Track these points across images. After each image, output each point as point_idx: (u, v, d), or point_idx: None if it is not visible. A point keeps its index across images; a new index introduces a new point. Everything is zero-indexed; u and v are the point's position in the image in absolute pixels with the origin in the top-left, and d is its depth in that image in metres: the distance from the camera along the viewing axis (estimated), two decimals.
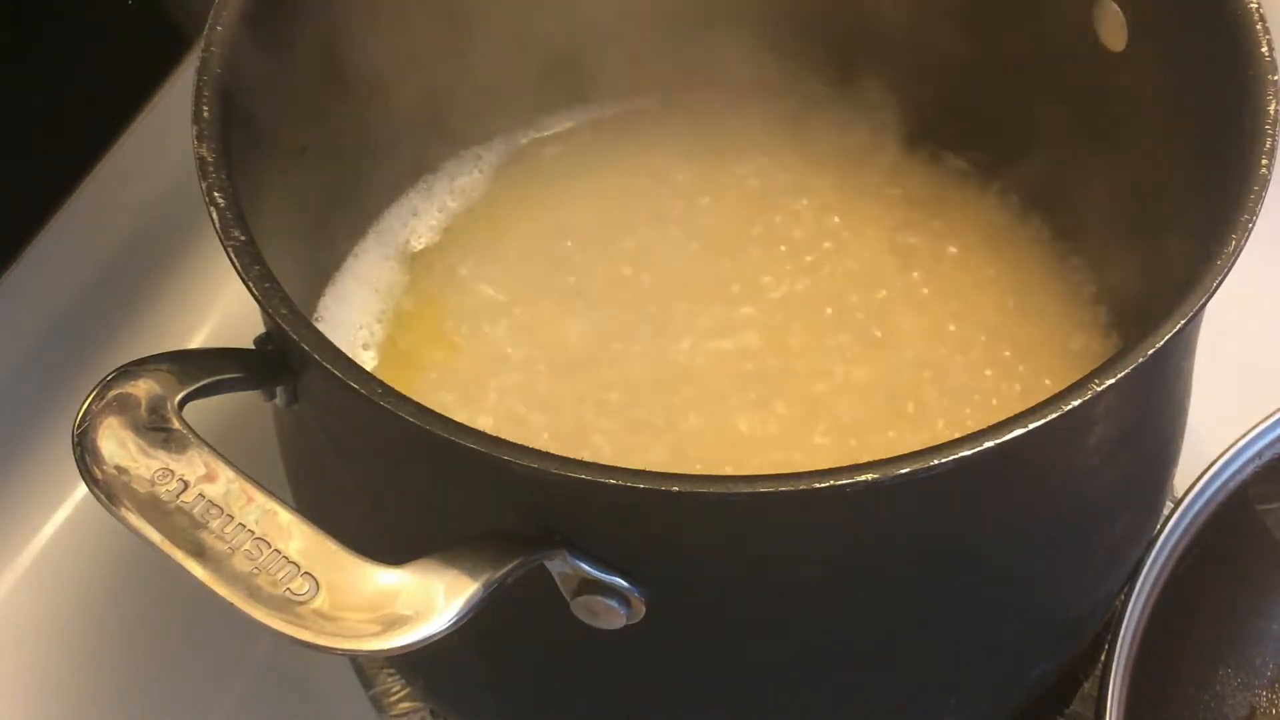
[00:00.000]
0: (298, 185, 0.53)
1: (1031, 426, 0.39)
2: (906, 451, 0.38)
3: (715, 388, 0.55)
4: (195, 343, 0.68)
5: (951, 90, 0.60)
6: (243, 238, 0.43)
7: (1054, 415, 0.39)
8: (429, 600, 0.38)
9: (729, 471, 0.52)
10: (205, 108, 0.46)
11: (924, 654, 0.47)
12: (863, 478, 0.38)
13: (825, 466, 0.38)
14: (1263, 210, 0.43)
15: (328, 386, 0.42)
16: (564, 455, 0.39)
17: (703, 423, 0.54)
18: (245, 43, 0.47)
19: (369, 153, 0.58)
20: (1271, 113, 0.45)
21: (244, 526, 0.39)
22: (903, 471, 0.38)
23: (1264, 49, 0.46)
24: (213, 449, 0.40)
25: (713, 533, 0.41)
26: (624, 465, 0.39)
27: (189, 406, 0.42)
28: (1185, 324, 0.41)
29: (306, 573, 0.38)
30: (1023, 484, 0.44)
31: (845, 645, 0.46)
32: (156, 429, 0.40)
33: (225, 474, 0.39)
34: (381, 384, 0.40)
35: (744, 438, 0.54)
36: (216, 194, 0.43)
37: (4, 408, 0.64)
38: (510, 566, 0.39)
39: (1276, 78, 0.46)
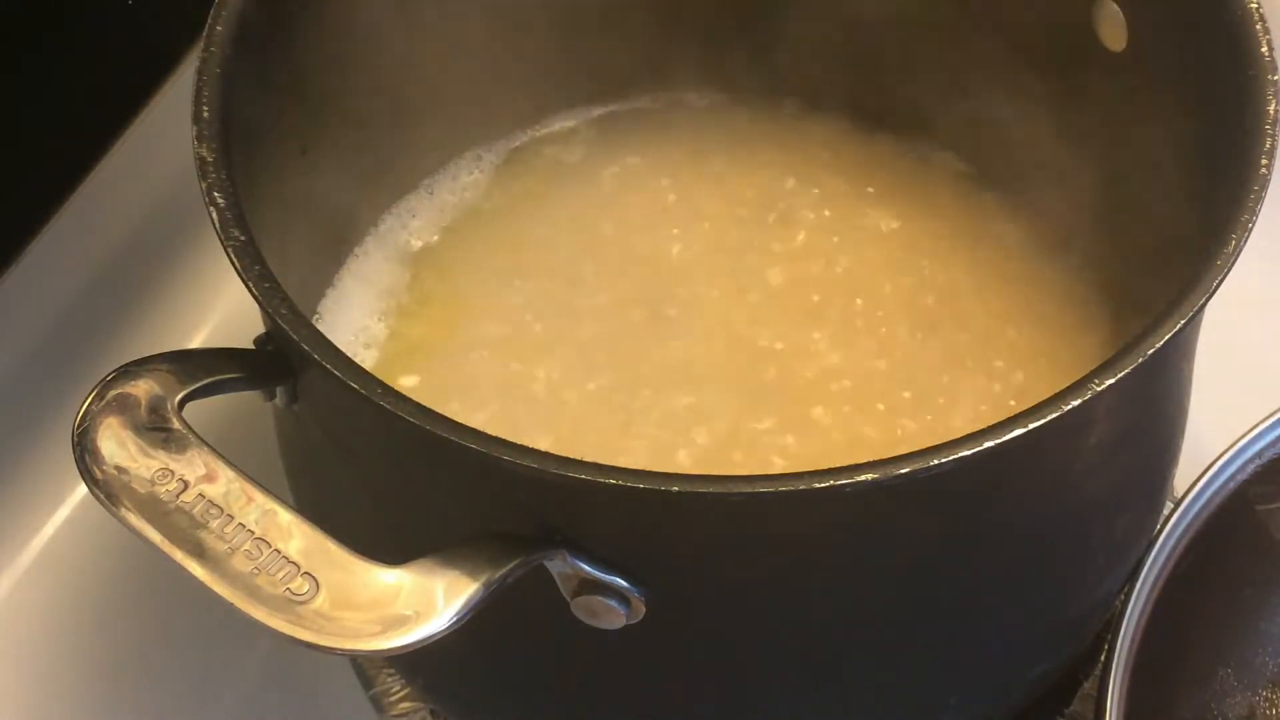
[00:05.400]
0: (298, 185, 0.53)
1: (1031, 426, 0.39)
2: (906, 451, 0.38)
3: (715, 386, 0.55)
4: (195, 343, 0.68)
5: (950, 91, 0.60)
6: (243, 238, 0.43)
7: (1054, 415, 0.39)
8: (429, 600, 0.38)
9: (729, 470, 0.52)
10: (205, 108, 0.46)
11: (924, 653, 0.47)
12: (863, 478, 0.38)
13: (825, 466, 0.38)
14: (1263, 210, 0.43)
15: (328, 386, 0.42)
16: (564, 454, 0.39)
17: (703, 421, 0.54)
18: (245, 43, 0.47)
19: (369, 153, 0.58)
20: (1271, 113, 0.45)
21: (244, 526, 0.39)
22: (903, 471, 0.38)
23: (1264, 49, 0.46)
24: (213, 449, 0.40)
25: (713, 533, 0.41)
26: (624, 465, 0.39)
27: (189, 406, 0.42)
28: (1185, 324, 0.41)
29: (306, 573, 0.38)
30: (1023, 484, 0.44)
31: (845, 645, 0.46)
32: (156, 429, 0.40)
33: (225, 474, 0.39)
34: (381, 384, 0.40)
35: (743, 437, 0.54)
36: (216, 194, 0.43)
37: (4, 408, 0.64)
38: (510, 566, 0.39)
39: (1276, 78, 0.46)
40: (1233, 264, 0.42)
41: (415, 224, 0.61)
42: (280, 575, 0.38)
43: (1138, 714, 0.50)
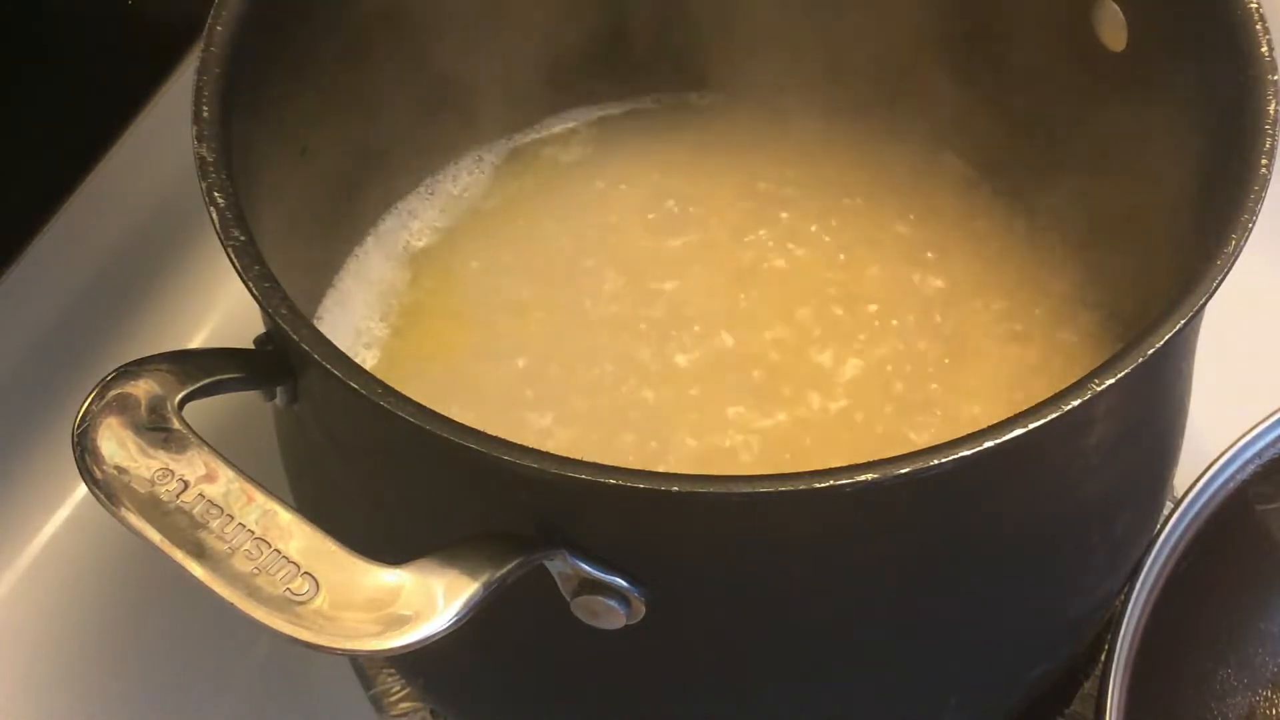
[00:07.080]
0: (298, 185, 0.53)
1: (1031, 426, 0.39)
2: (906, 451, 0.38)
3: (716, 385, 0.55)
4: (195, 343, 0.68)
5: (950, 91, 0.60)
6: (243, 238, 0.43)
7: (1054, 415, 0.39)
8: (429, 600, 0.38)
9: (730, 470, 0.52)
10: (205, 108, 0.46)
11: (924, 654, 0.47)
12: (863, 478, 0.38)
13: (825, 466, 0.38)
14: (1263, 210, 0.43)
15: (328, 386, 0.42)
16: (565, 454, 0.39)
17: (705, 421, 0.54)
18: (245, 43, 0.47)
19: (369, 153, 0.58)
20: (1271, 113, 0.45)
21: (244, 526, 0.39)
22: (903, 471, 0.38)
23: (1264, 49, 0.46)
24: (213, 449, 0.40)
25: (713, 533, 0.41)
26: (625, 464, 0.39)
27: (189, 406, 0.42)
28: (1185, 324, 0.41)
29: (306, 573, 0.38)
30: (1023, 484, 0.44)
31: (845, 645, 0.46)
32: (156, 429, 0.40)
33: (225, 474, 0.39)
34: (381, 384, 0.40)
35: (743, 436, 0.54)
36: (216, 194, 0.43)
37: (4, 408, 0.64)
38: (510, 566, 0.39)
39: (1276, 78, 0.45)
40: (1233, 264, 0.42)
41: (415, 224, 0.61)
42: (280, 575, 0.38)
43: (1138, 714, 0.50)
